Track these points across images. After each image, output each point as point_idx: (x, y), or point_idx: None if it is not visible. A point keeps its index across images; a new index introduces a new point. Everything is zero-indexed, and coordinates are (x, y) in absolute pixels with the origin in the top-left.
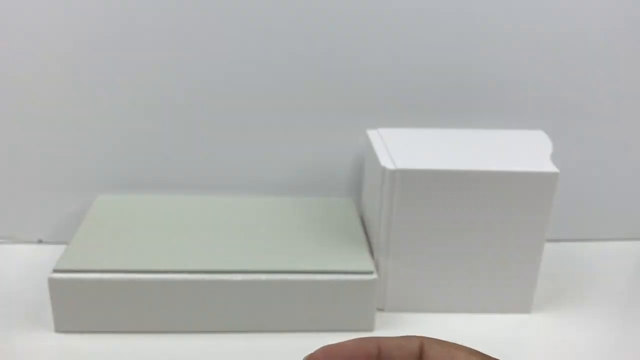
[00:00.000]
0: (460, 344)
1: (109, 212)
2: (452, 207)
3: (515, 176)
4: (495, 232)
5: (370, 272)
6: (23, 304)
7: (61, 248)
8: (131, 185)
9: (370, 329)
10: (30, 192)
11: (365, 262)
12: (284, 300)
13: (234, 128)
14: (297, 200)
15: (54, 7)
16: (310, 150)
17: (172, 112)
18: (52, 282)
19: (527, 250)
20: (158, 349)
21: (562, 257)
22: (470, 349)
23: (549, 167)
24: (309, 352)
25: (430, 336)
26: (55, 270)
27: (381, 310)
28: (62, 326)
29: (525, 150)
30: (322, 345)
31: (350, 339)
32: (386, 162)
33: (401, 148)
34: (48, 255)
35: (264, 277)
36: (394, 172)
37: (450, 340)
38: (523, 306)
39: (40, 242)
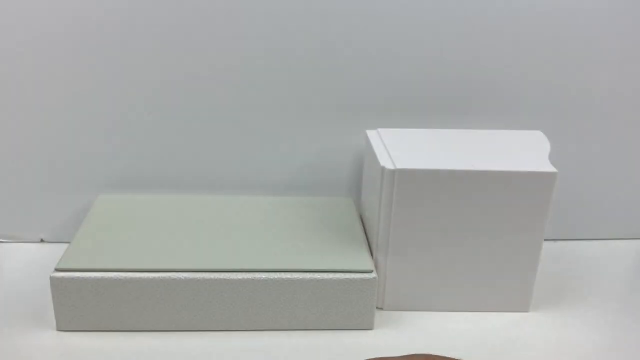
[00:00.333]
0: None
1: (110, 212)
2: (451, 207)
3: (514, 176)
4: (494, 232)
5: (370, 272)
6: (25, 303)
7: (63, 247)
8: (132, 185)
9: (370, 328)
10: (32, 192)
11: (364, 261)
12: (283, 299)
13: (234, 128)
14: (297, 200)
15: (54, 8)
16: (310, 150)
17: (172, 113)
18: (54, 281)
19: (525, 249)
20: (159, 348)
21: (561, 256)
22: None
23: (548, 168)
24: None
25: (435, 353)
26: (57, 270)
27: (380, 309)
28: (64, 325)
29: (524, 151)
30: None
31: None
32: (385, 162)
33: (400, 148)
34: (50, 255)
35: (263, 276)
36: (393, 172)
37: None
38: (521, 305)
39: (42, 241)
